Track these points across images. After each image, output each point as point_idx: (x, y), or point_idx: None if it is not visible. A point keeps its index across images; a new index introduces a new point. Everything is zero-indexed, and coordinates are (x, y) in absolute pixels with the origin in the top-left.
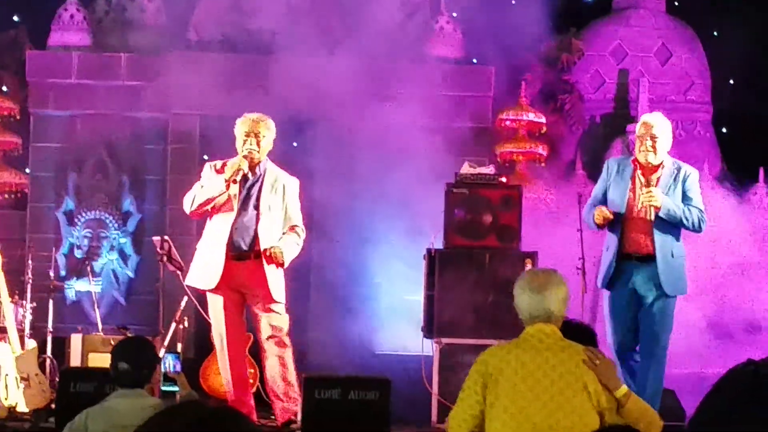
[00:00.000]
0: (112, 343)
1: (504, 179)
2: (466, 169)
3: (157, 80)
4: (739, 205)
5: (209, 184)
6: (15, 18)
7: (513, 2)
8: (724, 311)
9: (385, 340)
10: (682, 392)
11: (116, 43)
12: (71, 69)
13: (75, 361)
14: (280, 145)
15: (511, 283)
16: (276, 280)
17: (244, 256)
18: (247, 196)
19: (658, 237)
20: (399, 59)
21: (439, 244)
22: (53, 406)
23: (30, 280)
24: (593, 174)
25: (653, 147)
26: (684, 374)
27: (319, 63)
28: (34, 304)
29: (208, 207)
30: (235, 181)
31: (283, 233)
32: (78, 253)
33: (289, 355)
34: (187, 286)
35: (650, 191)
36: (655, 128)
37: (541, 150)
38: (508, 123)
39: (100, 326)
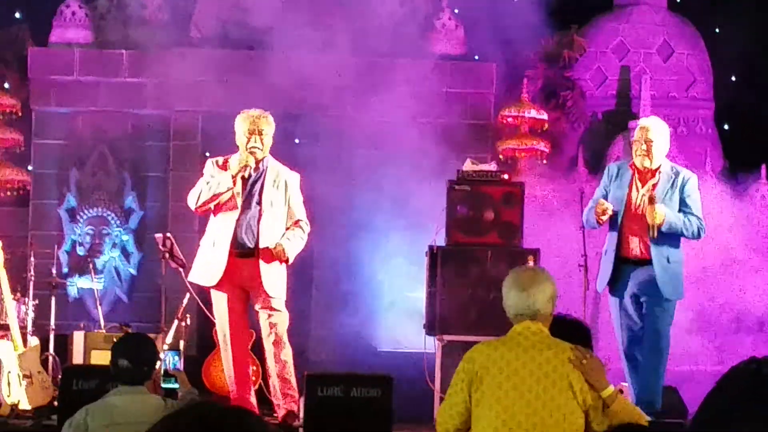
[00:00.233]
0: (115, 340)
1: (506, 176)
2: (468, 165)
3: (159, 77)
4: (741, 202)
5: (215, 180)
6: (17, 15)
7: None
8: (725, 308)
9: (386, 337)
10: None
11: (118, 39)
12: (73, 66)
13: (77, 358)
14: (282, 141)
15: None
16: (274, 277)
17: (247, 253)
18: (250, 193)
19: (654, 244)
20: (401, 56)
21: (440, 241)
22: (55, 403)
23: (32, 278)
24: (595, 171)
25: (648, 151)
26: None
27: (320, 59)
28: (37, 302)
29: (213, 204)
30: (243, 178)
31: (287, 228)
32: (80, 250)
33: (286, 352)
34: (189, 283)
35: (653, 208)
36: (651, 133)
37: (543, 147)
38: (509, 120)
39: (102, 323)
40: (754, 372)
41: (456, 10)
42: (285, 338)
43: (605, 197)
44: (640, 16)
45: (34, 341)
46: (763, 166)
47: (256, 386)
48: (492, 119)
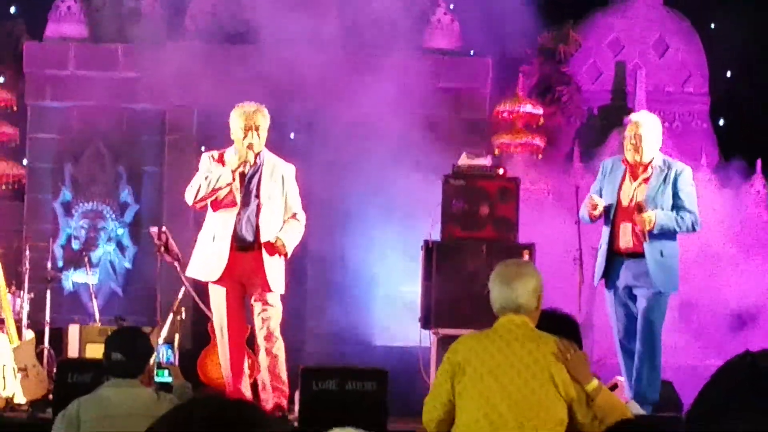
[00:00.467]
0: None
1: (501, 171)
2: (463, 160)
3: (154, 71)
4: (737, 197)
5: (213, 175)
6: (12, 9)
7: None
8: (718, 302)
9: (382, 331)
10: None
11: (113, 34)
12: (68, 60)
13: (72, 352)
14: (276, 134)
15: None
16: (276, 271)
17: (248, 246)
18: (248, 188)
19: (648, 236)
20: (396, 50)
21: (436, 236)
22: (50, 396)
23: (27, 271)
24: (590, 166)
25: (637, 146)
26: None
27: (315, 53)
28: (32, 295)
29: (211, 199)
30: (241, 173)
31: (284, 221)
32: (75, 244)
33: (278, 347)
34: (185, 276)
35: (642, 217)
36: (640, 127)
37: (538, 142)
38: (505, 115)
39: (97, 317)
40: (750, 365)
41: (451, 5)
42: (277, 332)
43: (600, 193)
44: (635, 11)
45: (29, 335)
46: (759, 161)
47: (252, 379)
48: (487, 114)
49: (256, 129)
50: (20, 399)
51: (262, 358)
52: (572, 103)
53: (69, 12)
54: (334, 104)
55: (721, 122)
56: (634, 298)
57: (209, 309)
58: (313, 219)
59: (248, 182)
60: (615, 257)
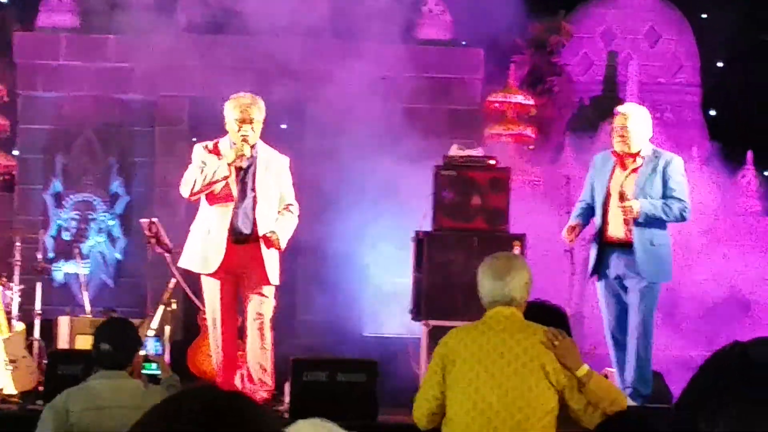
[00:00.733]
0: None
1: (492, 161)
2: (454, 150)
3: (145, 62)
4: (727, 188)
5: (209, 168)
6: None
7: None
8: (707, 292)
9: (373, 322)
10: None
11: (104, 24)
12: (59, 50)
13: (63, 343)
14: (268, 126)
15: None
16: (273, 263)
17: (244, 239)
18: (244, 180)
19: (637, 226)
20: (387, 41)
21: (427, 226)
22: (41, 388)
23: (18, 263)
24: (581, 156)
25: (624, 137)
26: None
27: (307, 44)
28: (22, 287)
29: (207, 192)
30: (238, 167)
31: (278, 212)
32: (66, 236)
33: (268, 341)
34: (176, 268)
35: (624, 206)
36: (627, 119)
37: (530, 132)
38: (496, 105)
39: (88, 308)
40: (740, 354)
41: None
42: (268, 326)
43: (592, 188)
44: (627, 2)
45: (19, 326)
46: (749, 152)
47: (243, 371)
48: (479, 105)
49: (251, 122)
50: (10, 390)
51: (254, 351)
52: (563, 94)
53: (60, 2)
54: (325, 94)
55: (712, 112)
56: (625, 288)
57: (200, 300)
58: (303, 209)
59: (244, 175)
60: (606, 247)
